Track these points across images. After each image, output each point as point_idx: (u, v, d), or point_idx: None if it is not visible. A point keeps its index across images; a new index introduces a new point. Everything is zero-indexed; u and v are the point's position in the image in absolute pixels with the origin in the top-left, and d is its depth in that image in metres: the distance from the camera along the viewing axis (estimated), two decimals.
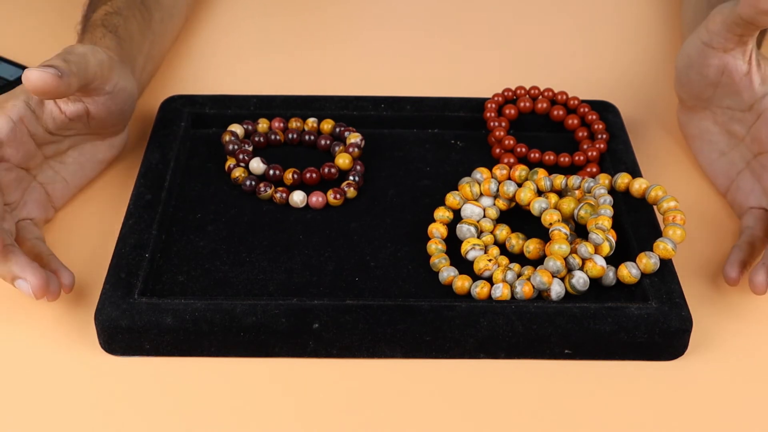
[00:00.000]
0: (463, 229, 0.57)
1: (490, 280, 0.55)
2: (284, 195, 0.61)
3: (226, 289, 0.55)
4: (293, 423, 0.49)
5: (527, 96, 0.68)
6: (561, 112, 0.68)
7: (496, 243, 0.58)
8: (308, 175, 0.62)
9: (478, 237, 0.57)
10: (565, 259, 0.54)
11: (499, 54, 0.80)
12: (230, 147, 0.64)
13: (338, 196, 0.61)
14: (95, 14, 0.66)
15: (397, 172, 0.64)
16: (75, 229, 0.60)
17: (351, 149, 0.64)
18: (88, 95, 0.59)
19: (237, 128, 0.66)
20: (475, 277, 0.55)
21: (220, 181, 0.63)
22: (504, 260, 0.56)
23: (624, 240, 0.58)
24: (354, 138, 0.64)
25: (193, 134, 0.67)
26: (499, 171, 0.60)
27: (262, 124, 0.67)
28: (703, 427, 0.50)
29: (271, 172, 0.62)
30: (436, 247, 0.57)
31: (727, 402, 0.51)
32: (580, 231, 0.58)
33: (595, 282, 0.55)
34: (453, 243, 0.58)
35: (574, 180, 0.58)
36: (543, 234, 0.57)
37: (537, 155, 0.64)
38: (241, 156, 0.63)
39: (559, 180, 0.59)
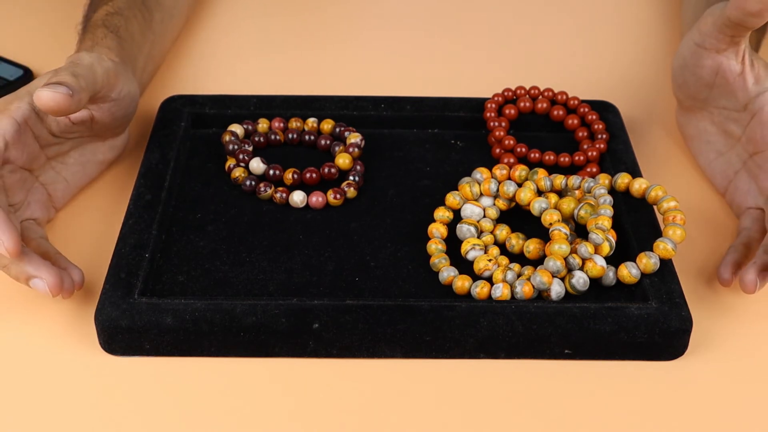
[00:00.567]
0: (463, 229, 0.57)
1: (490, 280, 0.55)
2: (284, 195, 0.61)
3: (226, 289, 0.55)
4: (293, 423, 0.49)
5: (527, 96, 0.68)
6: (561, 112, 0.68)
7: (496, 243, 0.58)
8: (308, 175, 0.62)
9: (478, 237, 0.57)
10: (565, 259, 0.54)
11: (499, 54, 0.80)
12: (230, 147, 0.64)
13: (338, 196, 0.61)
14: (96, 14, 0.66)
15: (397, 172, 0.64)
16: (75, 229, 0.60)
17: (351, 149, 0.64)
18: (94, 103, 0.59)
19: (237, 128, 0.66)
20: (475, 277, 0.55)
21: (220, 181, 0.63)
22: (504, 260, 0.56)
23: (624, 240, 0.58)
24: (354, 138, 0.64)
25: (193, 134, 0.67)
26: (499, 171, 0.60)
27: (262, 124, 0.66)
28: (703, 427, 0.50)
29: (271, 172, 0.62)
30: (436, 247, 0.57)
31: (727, 402, 0.51)
32: (580, 231, 0.58)
33: (595, 282, 0.55)
34: (453, 243, 0.58)
35: (574, 180, 0.58)
36: (543, 234, 0.57)
37: (537, 155, 0.64)
38: (241, 156, 0.63)
39: (559, 180, 0.59)
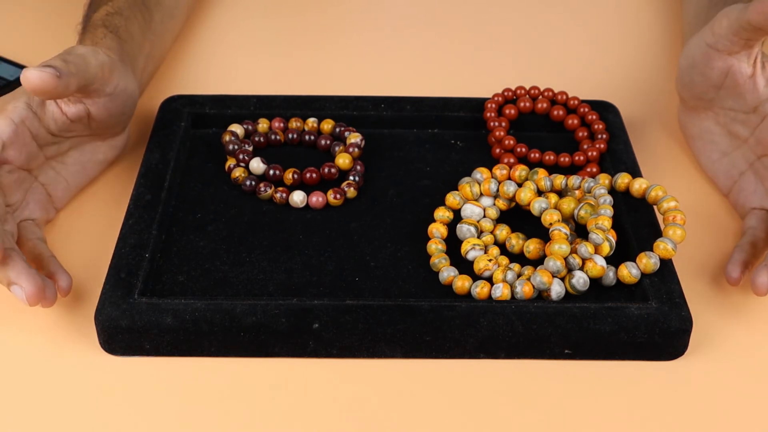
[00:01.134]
0: (463, 229, 0.57)
1: (490, 280, 0.55)
2: (284, 195, 0.61)
3: (226, 289, 0.55)
4: (293, 423, 0.49)
5: (527, 96, 0.68)
6: (561, 112, 0.68)
7: (496, 243, 0.58)
8: (308, 175, 0.62)
9: (478, 237, 0.57)
10: (565, 259, 0.54)
11: (499, 54, 0.80)
12: (230, 147, 0.64)
13: (338, 196, 0.61)
14: (96, 14, 0.66)
15: (397, 172, 0.64)
16: (75, 229, 0.60)
17: (351, 149, 0.64)
18: (89, 96, 0.59)
19: (237, 128, 0.66)
20: (475, 277, 0.55)
21: (220, 181, 0.63)
22: (504, 260, 0.56)
23: (624, 240, 0.58)
24: (354, 138, 0.64)
25: (193, 134, 0.67)
26: (499, 171, 0.60)
27: (262, 124, 0.66)
28: (703, 427, 0.50)
29: (271, 172, 0.62)
30: (436, 247, 0.57)
31: (727, 402, 0.51)
32: (580, 231, 0.58)
33: (595, 282, 0.55)
34: (453, 243, 0.58)
35: (574, 180, 0.58)
36: (543, 234, 0.57)
37: (537, 155, 0.64)
38: (241, 156, 0.63)
39: (559, 180, 0.59)
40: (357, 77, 0.76)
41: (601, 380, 0.52)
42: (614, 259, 0.56)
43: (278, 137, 0.66)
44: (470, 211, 0.58)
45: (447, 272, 0.55)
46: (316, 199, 0.61)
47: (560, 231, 0.55)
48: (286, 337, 0.52)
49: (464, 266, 0.56)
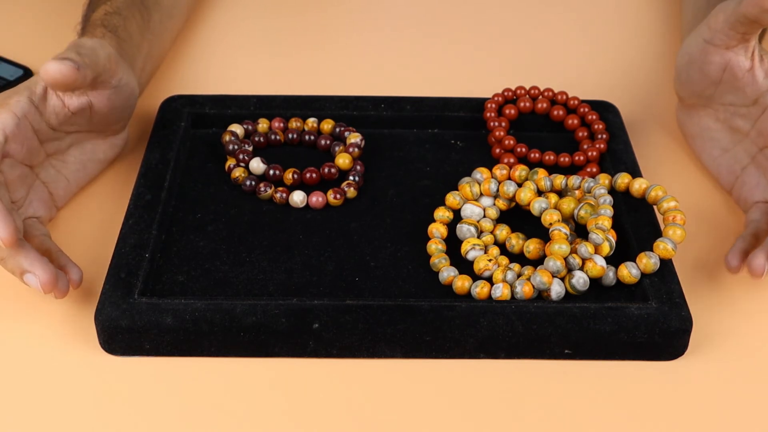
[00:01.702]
0: (463, 229, 0.57)
1: (490, 280, 0.55)
2: (284, 195, 0.61)
3: (226, 289, 0.55)
4: (293, 423, 0.49)
5: (527, 96, 0.68)
6: (561, 112, 0.68)
7: (496, 243, 0.58)
8: (308, 175, 0.62)
9: (478, 237, 0.57)
10: (565, 259, 0.54)
11: (499, 54, 0.80)
12: (230, 147, 0.64)
13: (338, 196, 0.61)
14: (95, 14, 0.66)
15: (397, 172, 0.64)
16: (75, 229, 0.60)
17: (351, 149, 0.64)
18: (95, 88, 0.59)
19: (237, 128, 0.66)
20: (475, 277, 0.55)
21: (220, 181, 0.63)
22: (504, 260, 0.56)
23: (624, 240, 0.58)
24: (354, 138, 0.64)
25: (193, 134, 0.67)
26: (499, 171, 0.60)
27: (262, 124, 0.66)
28: (703, 427, 0.50)
29: (271, 172, 0.62)
30: (436, 247, 0.57)
31: (727, 402, 0.51)
32: (580, 231, 0.58)
33: (595, 282, 0.55)
34: (453, 243, 0.58)
35: (574, 180, 0.58)
36: (543, 234, 0.57)
37: (537, 155, 0.64)
38: (241, 156, 0.63)
39: (559, 180, 0.59)
40: (357, 77, 0.76)
41: (601, 380, 0.52)
42: (614, 259, 0.56)
43: (278, 137, 0.66)
44: (470, 211, 0.58)
45: (447, 272, 0.55)
46: (316, 199, 0.61)
47: (560, 231, 0.55)
48: (286, 337, 0.52)
49: (464, 266, 0.56)
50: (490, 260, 0.55)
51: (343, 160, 0.63)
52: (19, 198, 0.57)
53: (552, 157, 0.64)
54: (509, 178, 0.60)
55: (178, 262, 0.57)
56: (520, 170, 0.59)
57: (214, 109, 0.67)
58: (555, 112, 0.68)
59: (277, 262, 0.57)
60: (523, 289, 0.53)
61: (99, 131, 0.63)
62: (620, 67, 0.78)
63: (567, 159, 0.64)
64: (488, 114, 0.66)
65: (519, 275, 0.55)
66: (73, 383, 0.51)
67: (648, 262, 0.54)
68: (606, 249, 0.54)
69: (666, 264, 0.55)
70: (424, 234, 0.59)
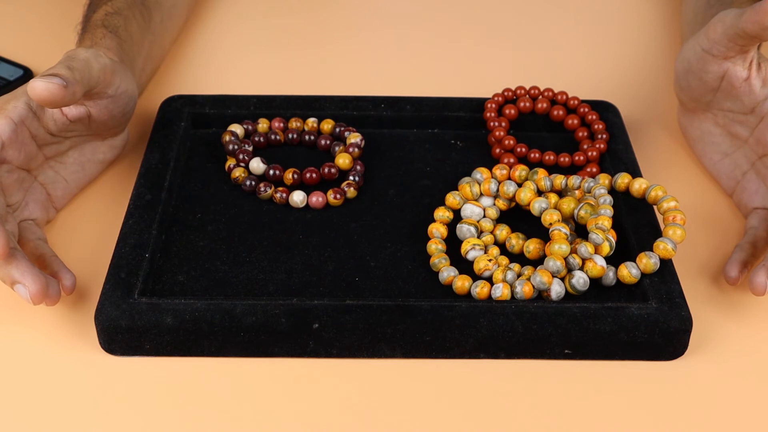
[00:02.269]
0: (463, 229, 0.57)
1: (490, 280, 0.55)
2: (284, 195, 0.61)
3: (226, 289, 0.55)
4: (293, 423, 0.49)
5: (527, 96, 0.68)
6: (561, 112, 0.68)
7: (496, 243, 0.58)
8: (308, 175, 0.62)
9: (478, 237, 0.57)
10: (565, 259, 0.54)
11: (499, 54, 0.80)
12: (230, 147, 0.64)
13: (338, 196, 0.61)
14: (95, 14, 0.66)
15: (397, 172, 0.64)
16: (75, 229, 0.60)
17: (351, 149, 0.64)
18: (91, 99, 0.59)
19: (237, 128, 0.66)
20: (475, 277, 0.55)
21: (220, 181, 0.63)
22: (504, 260, 0.56)
23: (624, 240, 0.58)
24: (354, 138, 0.64)
25: (193, 134, 0.67)
26: (499, 171, 0.60)
27: (262, 124, 0.66)
28: (703, 427, 0.50)
29: (271, 172, 0.62)
30: (436, 247, 0.57)
31: (727, 402, 0.51)
32: (580, 231, 0.58)
33: (595, 282, 0.55)
34: (453, 243, 0.58)
35: (574, 180, 0.58)
36: (543, 234, 0.57)
37: (537, 155, 0.64)
38: (241, 156, 0.63)
39: (559, 180, 0.59)
40: (357, 77, 0.76)
41: (601, 380, 0.52)
42: (614, 259, 0.56)
43: (278, 137, 0.66)
44: (470, 211, 0.58)
45: (447, 272, 0.55)
46: (316, 199, 0.61)
47: (560, 231, 0.55)
48: (286, 337, 0.52)
49: (464, 266, 0.56)
50: (490, 260, 0.55)
51: (343, 160, 0.63)
52: (16, 201, 0.57)
53: (552, 157, 0.64)
54: (509, 178, 0.60)
55: (178, 262, 0.57)
56: (520, 170, 0.59)
57: (214, 109, 0.67)
58: (555, 112, 0.68)
59: (277, 262, 0.57)
60: (523, 289, 0.53)
61: (98, 134, 0.62)
62: (620, 67, 0.78)
63: (567, 159, 0.64)
64: (488, 114, 0.66)
65: (519, 275, 0.55)
66: (73, 383, 0.51)
67: (648, 262, 0.54)
68: (606, 249, 0.54)
69: (666, 264, 0.55)
70: (424, 234, 0.59)
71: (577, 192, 0.59)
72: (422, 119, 0.68)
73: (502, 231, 0.58)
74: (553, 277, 0.54)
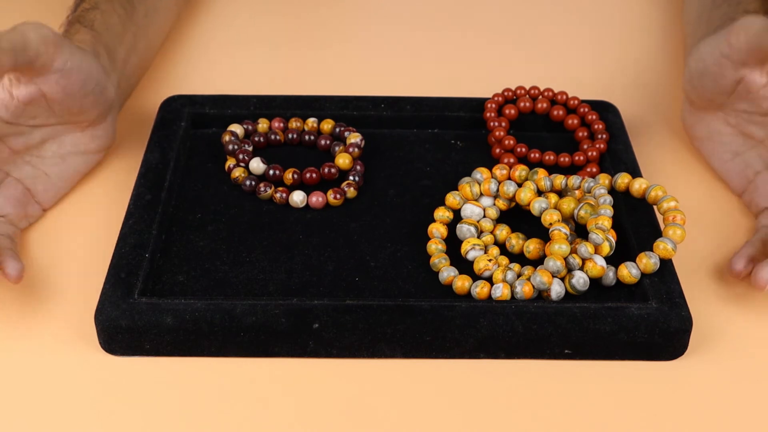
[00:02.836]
0: (463, 229, 0.57)
1: (490, 280, 0.55)
2: (284, 195, 0.61)
3: (226, 289, 0.55)
4: (293, 423, 0.49)
5: (527, 96, 0.68)
6: (561, 112, 0.68)
7: (496, 243, 0.58)
8: (308, 175, 0.62)
9: (478, 237, 0.57)
10: (565, 259, 0.54)
11: (499, 54, 0.80)
12: (230, 147, 0.64)
13: (338, 196, 0.61)
14: (74, 14, 0.66)
15: (397, 172, 0.64)
16: (75, 229, 0.60)
17: (351, 149, 0.64)
18: (37, 74, 0.56)
19: (237, 128, 0.66)
20: (475, 277, 0.55)
21: (220, 181, 0.63)
22: (504, 260, 0.56)
23: (624, 240, 0.58)
24: (354, 138, 0.64)
25: (193, 134, 0.67)
26: (499, 171, 0.60)
27: (262, 124, 0.67)
28: (703, 427, 0.50)
29: (271, 172, 0.62)
30: (436, 247, 0.57)
31: (727, 402, 0.51)
32: (580, 231, 0.58)
33: (595, 282, 0.55)
34: (453, 243, 0.58)
35: (574, 180, 0.58)
36: (543, 234, 0.57)
37: (537, 155, 0.64)
38: (241, 156, 0.63)
39: (559, 180, 0.59)
40: (357, 77, 0.76)
41: (601, 380, 0.52)
42: (614, 259, 0.56)
43: (278, 137, 0.66)
44: (470, 211, 0.58)
45: (447, 272, 0.55)
46: (316, 199, 0.61)
47: (560, 231, 0.55)
48: (286, 337, 0.52)
49: (464, 266, 0.56)
50: (490, 260, 0.55)
51: (343, 160, 0.63)
52: None
53: (552, 157, 0.64)
54: (509, 178, 0.60)
55: (178, 262, 0.57)
56: (520, 170, 0.59)
57: (214, 109, 0.67)
58: (555, 112, 0.68)
59: (277, 262, 0.57)
60: (523, 289, 0.53)
61: (71, 122, 0.60)
62: (620, 67, 0.78)
63: (567, 159, 0.64)
64: (488, 114, 0.66)
65: (519, 275, 0.55)
66: (73, 383, 0.51)
67: (648, 262, 0.54)
68: (606, 249, 0.54)
69: (666, 264, 0.55)
70: (424, 234, 0.59)
71: (577, 192, 0.59)
72: (422, 119, 0.68)
73: (502, 231, 0.58)
74: (553, 277, 0.54)
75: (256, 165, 0.63)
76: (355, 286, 0.55)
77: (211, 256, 0.57)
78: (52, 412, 0.50)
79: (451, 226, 0.59)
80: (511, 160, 0.64)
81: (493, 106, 0.67)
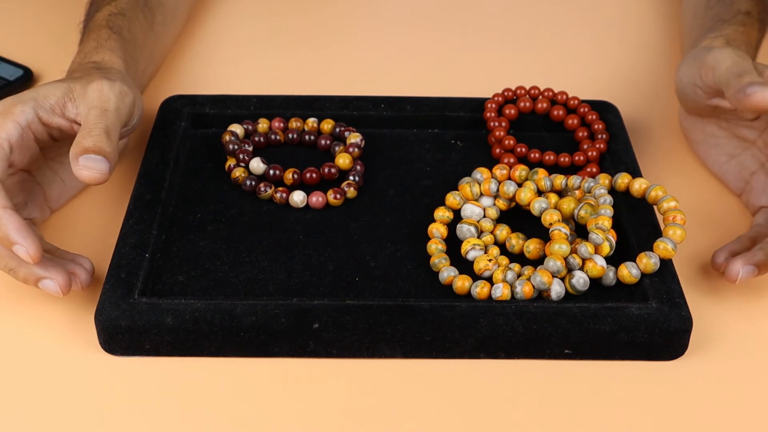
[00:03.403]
0: (463, 229, 0.57)
1: (490, 280, 0.55)
2: (284, 195, 0.61)
3: (226, 289, 0.55)
4: (293, 423, 0.49)
5: (527, 96, 0.68)
6: (561, 112, 0.68)
7: (496, 243, 0.58)
8: (308, 175, 0.62)
9: (478, 237, 0.57)
10: (565, 259, 0.54)
11: (499, 54, 0.80)
12: (230, 147, 0.64)
13: (338, 196, 0.61)
14: (99, 14, 0.65)
15: (397, 172, 0.64)
16: (75, 229, 0.60)
17: (351, 149, 0.64)
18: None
19: (237, 128, 0.66)
20: (475, 277, 0.55)
21: (220, 181, 0.63)
22: (504, 260, 0.56)
23: (624, 240, 0.58)
24: (354, 138, 0.64)
25: (193, 134, 0.67)
26: (499, 171, 0.60)
27: (262, 124, 0.67)
28: (703, 427, 0.50)
29: (271, 172, 0.62)
30: (436, 247, 0.57)
31: (727, 402, 0.51)
32: (580, 231, 0.58)
33: (595, 282, 0.55)
34: (453, 243, 0.58)
35: (574, 180, 0.58)
36: (543, 234, 0.57)
37: (537, 155, 0.64)
38: (241, 156, 0.63)
39: (559, 180, 0.59)
40: (357, 77, 0.76)
41: (601, 380, 0.52)
42: (614, 259, 0.56)
43: (278, 137, 0.66)
44: (470, 211, 0.58)
45: (447, 272, 0.55)
46: (316, 199, 0.61)
47: (560, 231, 0.55)
48: (286, 337, 0.52)
49: (464, 266, 0.56)
50: (490, 260, 0.55)
51: (343, 160, 0.63)
52: (17, 203, 0.57)
53: (552, 157, 0.64)
54: (509, 178, 0.60)
55: (178, 262, 0.57)
56: (520, 170, 0.59)
57: (214, 109, 0.67)
58: (555, 112, 0.68)
59: (277, 262, 0.57)
60: (523, 289, 0.53)
61: None
62: (620, 67, 0.78)
63: (567, 159, 0.64)
64: (488, 114, 0.66)
65: (519, 275, 0.55)
66: (73, 383, 0.51)
67: (648, 262, 0.54)
68: (606, 249, 0.54)
69: (666, 264, 0.55)
70: (424, 234, 0.59)
71: (577, 192, 0.59)
72: (422, 119, 0.68)
73: (502, 231, 0.58)
74: (553, 277, 0.54)
75: (256, 165, 0.63)
76: (355, 286, 0.55)
77: (211, 256, 0.57)
78: (53, 412, 0.50)
79: (451, 226, 0.59)
80: (511, 160, 0.64)
81: (493, 106, 0.67)
